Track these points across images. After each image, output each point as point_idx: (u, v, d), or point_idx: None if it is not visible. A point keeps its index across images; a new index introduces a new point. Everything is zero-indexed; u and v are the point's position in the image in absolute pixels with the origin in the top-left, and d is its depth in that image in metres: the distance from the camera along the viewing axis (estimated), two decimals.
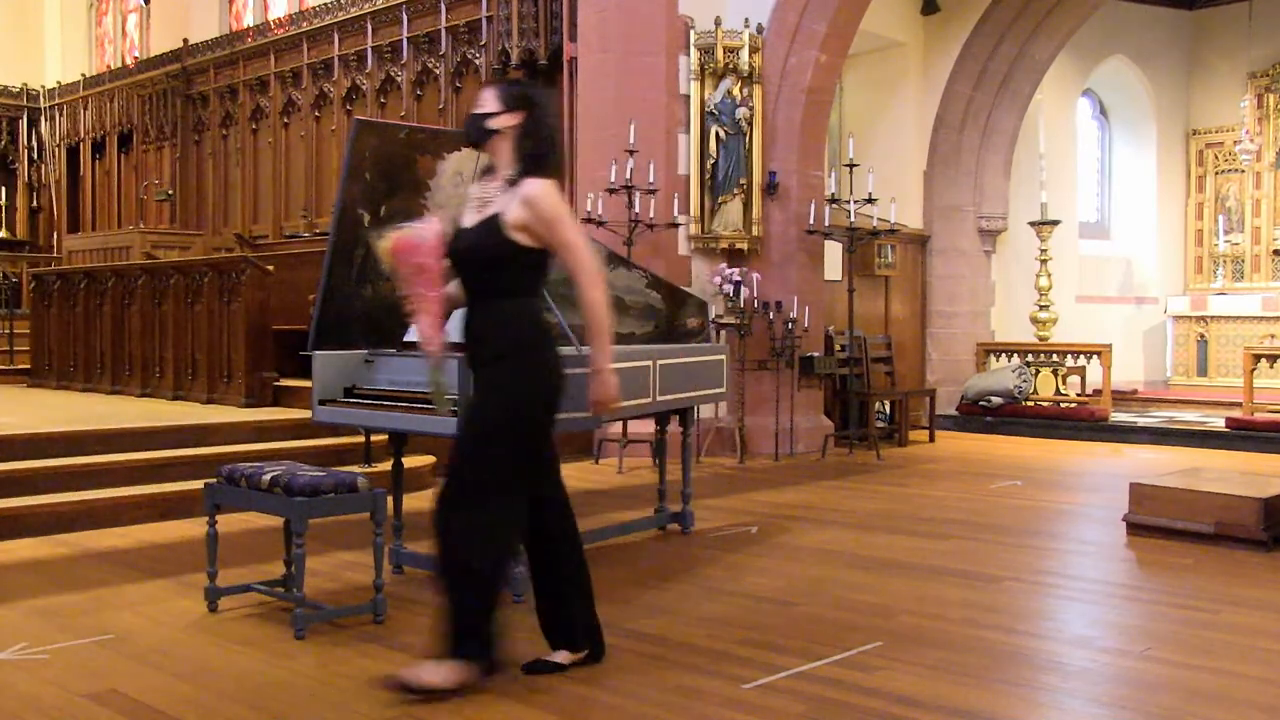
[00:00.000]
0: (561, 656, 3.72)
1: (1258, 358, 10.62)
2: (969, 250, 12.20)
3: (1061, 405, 11.35)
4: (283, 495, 4.13)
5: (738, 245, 9.35)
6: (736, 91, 9.34)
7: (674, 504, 6.21)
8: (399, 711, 3.34)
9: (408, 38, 12.14)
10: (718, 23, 9.32)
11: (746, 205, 9.37)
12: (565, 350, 4.90)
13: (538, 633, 4.15)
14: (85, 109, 17.13)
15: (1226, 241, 14.39)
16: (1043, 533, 6.28)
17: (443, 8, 11.74)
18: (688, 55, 9.33)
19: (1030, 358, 11.79)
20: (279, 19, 14.16)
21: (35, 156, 18.05)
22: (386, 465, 5.41)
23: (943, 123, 11.98)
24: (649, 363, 5.33)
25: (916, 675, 3.68)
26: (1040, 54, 12.04)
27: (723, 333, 8.94)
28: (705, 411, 9.01)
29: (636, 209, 8.74)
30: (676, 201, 9.13)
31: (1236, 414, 10.38)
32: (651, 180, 8.81)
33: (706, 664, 3.80)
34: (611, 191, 8.68)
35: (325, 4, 13.23)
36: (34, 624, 4.26)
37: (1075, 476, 8.60)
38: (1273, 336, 13.23)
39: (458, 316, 3.90)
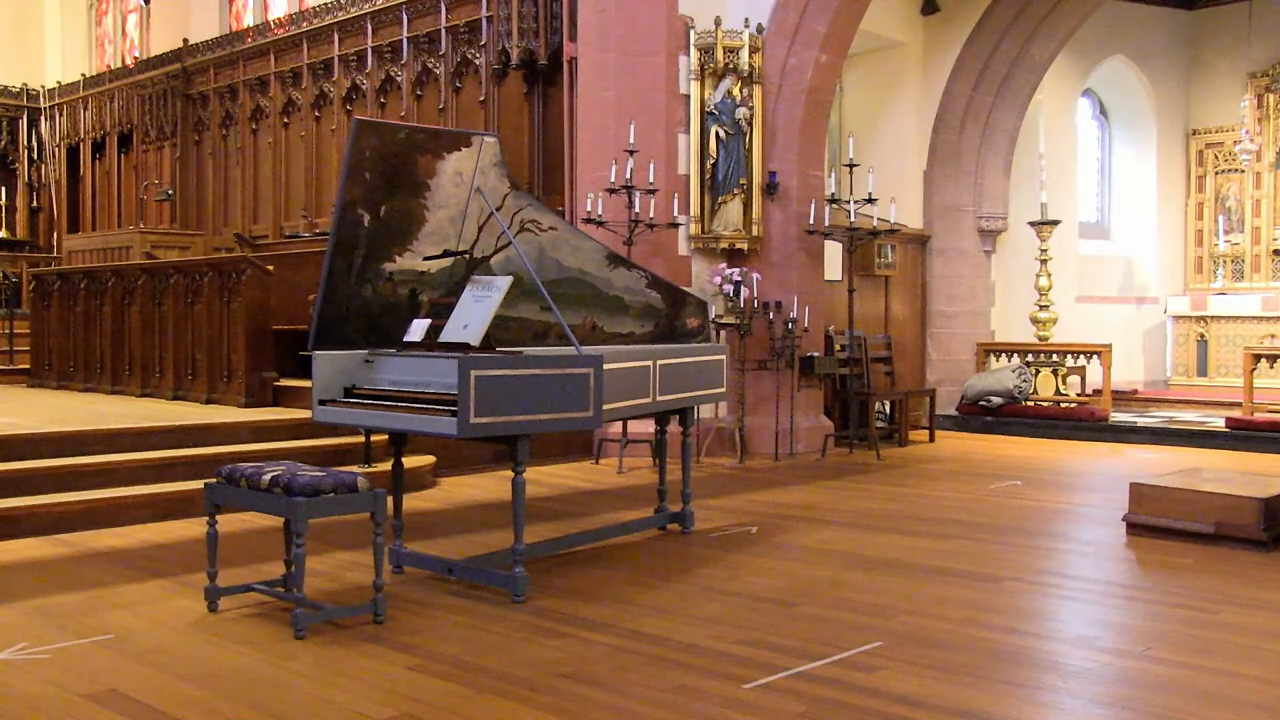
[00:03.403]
0: None
1: (1257, 358, 10.62)
2: (969, 250, 12.21)
3: (1061, 405, 11.35)
4: (283, 495, 4.13)
5: (738, 245, 9.35)
6: (736, 91, 9.34)
7: (674, 504, 6.21)
8: (398, 711, 3.34)
9: (408, 38, 12.14)
10: (718, 23, 9.32)
11: (746, 205, 9.37)
12: (565, 350, 4.92)
13: (538, 633, 4.16)
14: (85, 109, 17.13)
15: (1226, 241, 14.40)
16: (1043, 533, 6.28)
17: (443, 8, 11.74)
18: (688, 55, 9.33)
19: (1030, 358, 11.79)
20: (279, 19, 14.15)
21: (35, 156, 18.05)
22: (386, 465, 5.41)
23: (943, 123, 11.97)
24: (649, 363, 5.33)
25: (916, 675, 3.68)
26: (1040, 54, 12.04)
27: (723, 333, 8.94)
28: (705, 411, 9.02)
29: (636, 209, 8.74)
30: (676, 201, 9.13)
31: (1236, 414, 10.38)
32: (651, 180, 8.81)
33: (706, 664, 3.80)
34: (611, 191, 8.68)
35: (325, 4, 13.23)
36: (34, 624, 4.26)
37: (1075, 476, 8.60)
38: (1273, 336, 13.23)
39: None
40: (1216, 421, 10.66)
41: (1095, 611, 4.67)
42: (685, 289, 6.52)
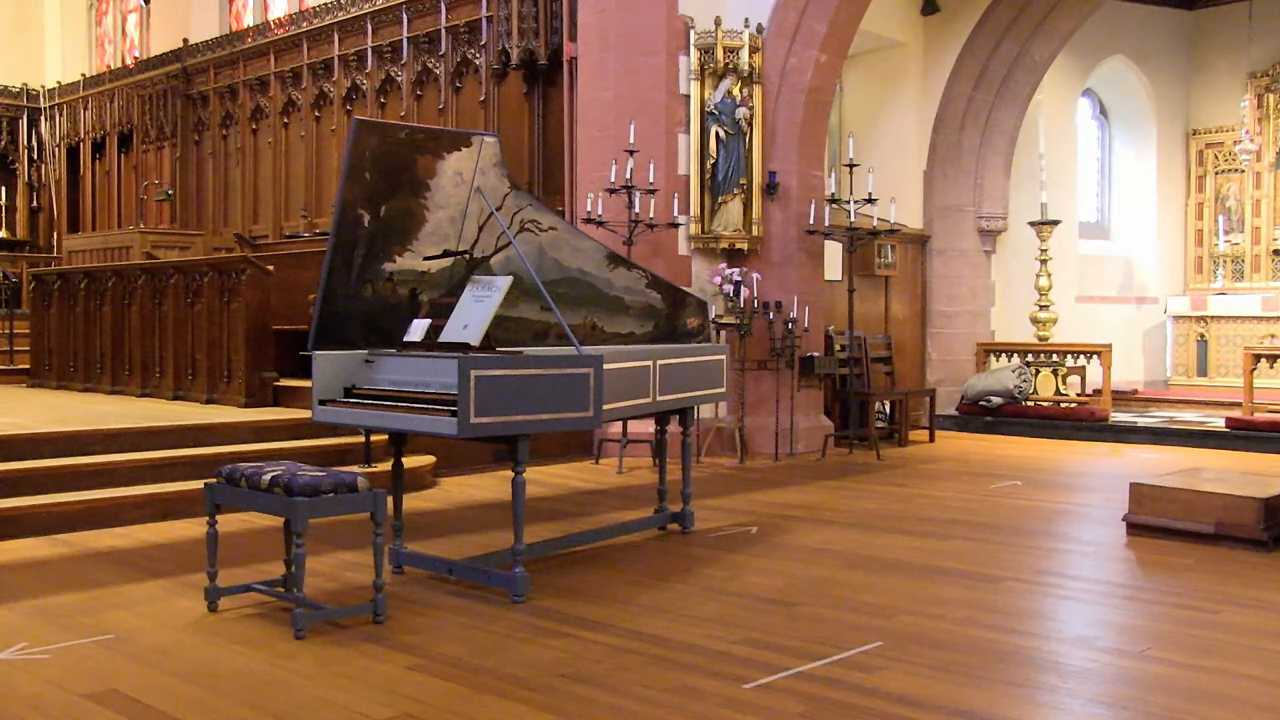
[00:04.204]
0: None
1: (1257, 358, 10.62)
2: (969, 250, 12.21)
3: (1061, 405, 11.35)
4: (283, 495, 4.13)
5: (738, 245, 9.35)
6: (736, 91, 9.34)
7: (674, 504, 6.21)
8: (398, 711, 3.34)
9: (408, 38, 12.14)
10: (718, 23, 9.32)
11: (746, 205, 9.37)
12: (565, 350, 4.93)
13: (538, 633, 4.16)
14: (85, 109, 17.13)
15: (1226, 241, 14.40)
16: (1043, 533, 6.28)
17: (443, 8, 11.74)
18: (688, 55, 9.33)
19: (1030, 358, 11.79)
20: (279, 19, 14.15)
21: (35, 156, 18.05)
22: (386, 465, 5.41)
23: (943, 123, 11.97)
24: (649, 363, 5.33)
25: (916, 675, 3.68)
26: (1040, 54, 12.04)
27: (723, 333, 8.94)
28: (705, 411, 9.01)
29: (636, 209, 8.74)
30: (676, 201, 9.13)
31: (1236, 414, 10.38)
32: (651, 180, 8.81)
33: (706, 664, 3.80)
34: (611, 191, 8.68)
35: (325, 4, 13.23)
36: (34, 624, 4.26)
37: (1075, 476, 8.60)
38: (1273, 336, 13.23)
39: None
40: (1216, 421, 10.66)
41: (1095, 611, 4.67)
42: (685, 289, 6.52)
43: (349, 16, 12.78)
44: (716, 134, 9.30)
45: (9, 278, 14.50)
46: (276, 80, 13.85)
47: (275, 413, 8.34)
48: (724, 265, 9.16)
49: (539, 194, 10.24)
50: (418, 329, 4.83)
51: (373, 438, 7.26)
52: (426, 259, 4.99)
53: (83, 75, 17.48)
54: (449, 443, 7.47)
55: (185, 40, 15.25)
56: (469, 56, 11.54)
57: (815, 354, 9.59)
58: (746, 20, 9.37)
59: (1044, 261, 12.24)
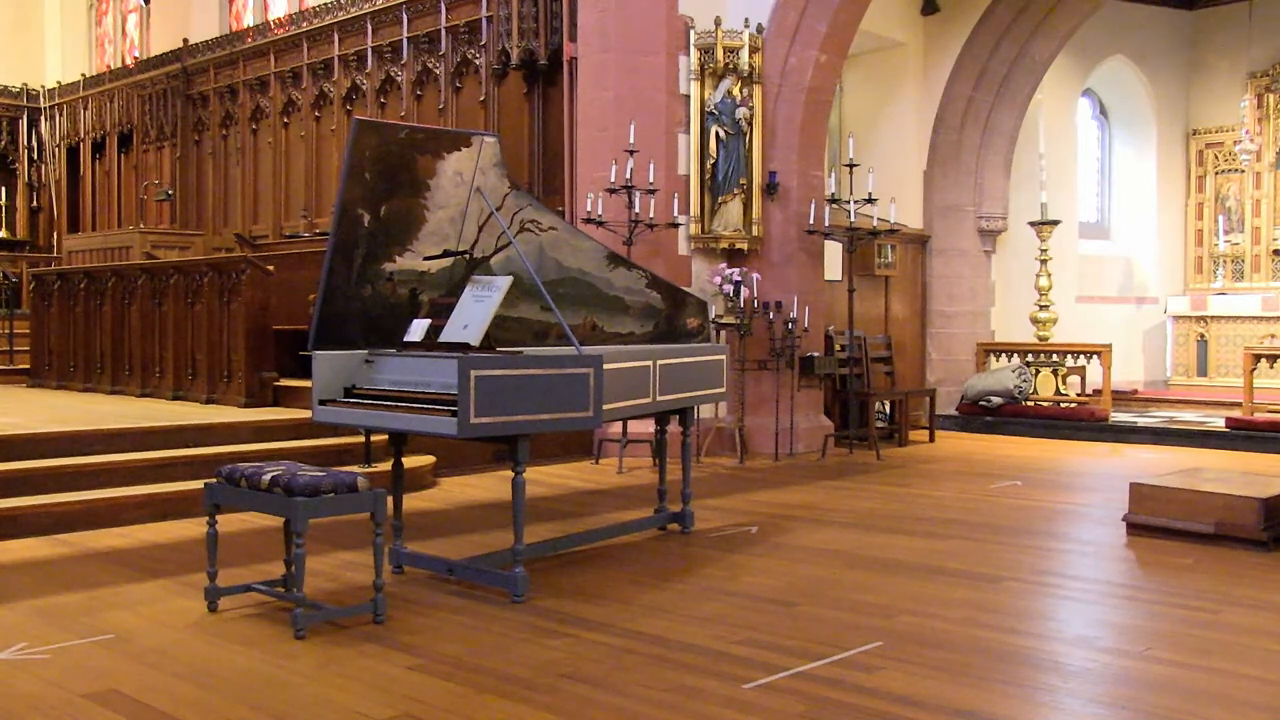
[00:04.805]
0: None
1: (1257, 358, 10.62)
2: (969, 250, 12.21)
3: (1061, 405, 11.35)
4: (283, 495, 4.13)
5: (738, 245, 9.35)
6: (736, 91, 9.34)
7: (674, 504, 6.21)
8: (399, 711, 3.35)
9: (408, 38, 12.14)
10: (718, 23, 9.32)
11: (746, 205, 9.37)
12: (565, 350, 4.93)
13: (538, 633, 4.16)
14: (85, 109, 17.13)
15: (1226, 241, 14.40)
16: (1043, 533, 6.28)
17: (443, 8, 11.74)
18: (688, 55, 9.33)
19: (1030, 358, 11.79)
20: (279, 19, 14.15)
21: (35, 156, 18.05)
22: (386, 465, 5.41)
23: (943, 123, 11.97)
24: (649, 363, 5.33)
25: (916, 675, 3.68)
26: (1040, 54, 12.04)
27: (723, 333, 8.94)
28: (705, 411, 9.01)
29: (636, 209, 8.74)
30: (676, 201, 9.13)
31: (1236, 414, 10.38)
32: (651, 180, 8.81)
33: (706, 664, 3.80)
34: (611, 191, 8.68)
35: (325, 4, 13.23)
36: (34, 624, 4.26)
37: (1075, 476, 8.60)
38: (1273, 336, 13.23)
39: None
40: (1216, 421, 10.66)
41: (1095, 611, 4.67)
42: (685, 289, 6.52)
43: (349, 16, 12.78)
44: (716, 134, 9.31)
45: (9, 278, 14.50)
46: (276, 80, 13.85)
47: (275, 413, 8.34)
48: (724, 265, 9.16)
49: (539, 194, 10.24)
50: (418, 329, 4.83)
51: (373, 438, 7.26)
52: (426, 259, 4.99)
53: (83, 75, 17.48)
54: (449, 443, 7.47)
55: (185, 40, 15.25)
56: (469, 56, 11.54)
57: (815, 354, 9.59)
58: (746, 20, 9.37)
59: (1044, 261, 12.25)
